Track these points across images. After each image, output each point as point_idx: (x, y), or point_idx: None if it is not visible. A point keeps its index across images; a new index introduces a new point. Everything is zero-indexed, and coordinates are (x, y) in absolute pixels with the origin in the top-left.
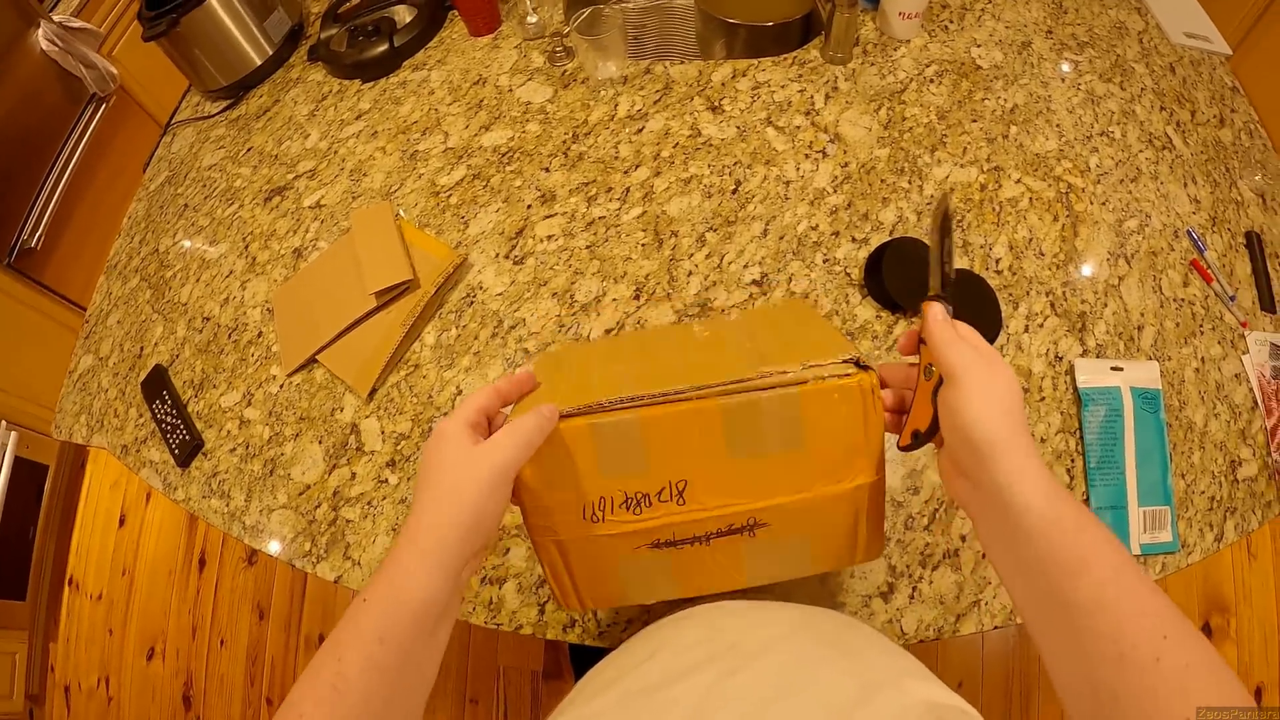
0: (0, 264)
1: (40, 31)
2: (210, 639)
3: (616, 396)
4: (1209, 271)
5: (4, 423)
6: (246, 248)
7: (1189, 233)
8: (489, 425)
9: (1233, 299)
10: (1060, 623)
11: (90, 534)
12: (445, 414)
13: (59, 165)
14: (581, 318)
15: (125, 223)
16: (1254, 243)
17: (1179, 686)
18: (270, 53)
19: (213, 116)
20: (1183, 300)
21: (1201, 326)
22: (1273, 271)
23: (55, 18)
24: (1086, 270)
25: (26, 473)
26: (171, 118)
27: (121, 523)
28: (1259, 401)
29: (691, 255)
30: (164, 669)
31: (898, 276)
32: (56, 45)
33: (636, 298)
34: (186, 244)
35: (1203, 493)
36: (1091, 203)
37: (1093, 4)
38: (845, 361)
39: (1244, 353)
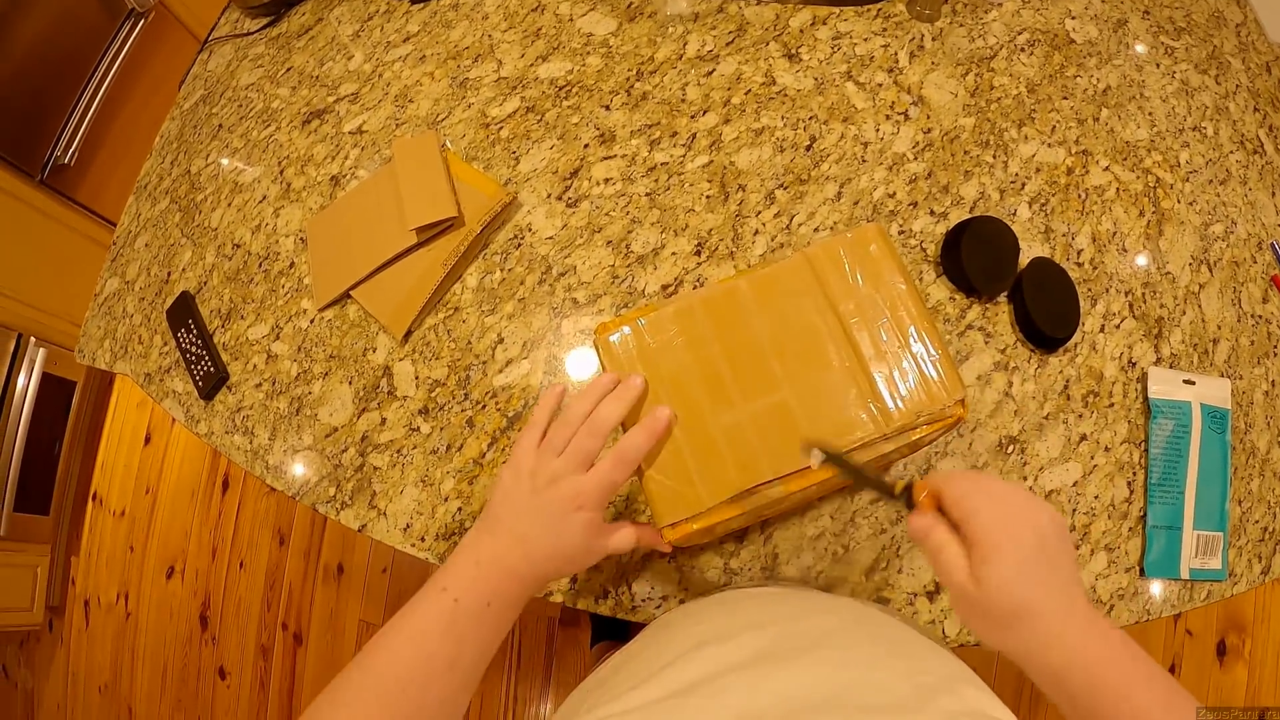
0: (34, 179)
1: None
2: (230, 561)
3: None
4: None
5: (33, 339)
6: (282, 173)
7: (1273, 245)
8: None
9: None
10: None
11: (115, 451)
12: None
13: (95, 81)
14: (637, 270)
15: (158, 142)
16: None
17: None
18: None
19: (252, 34)
20: (1260, 317)
21: (1277, 347)
22: None
23: None
24: (1169, 273)
25: (54, 388)
26: (209, 34)
27: (147, 441)
28: None
29: (759, 213)
30: (182, 588)
31: (977, 258)
32: None
33: (698, 253)
34: (221, 164)
35: (1257, 522)
36: (1179, 201)
37: None
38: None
39: None
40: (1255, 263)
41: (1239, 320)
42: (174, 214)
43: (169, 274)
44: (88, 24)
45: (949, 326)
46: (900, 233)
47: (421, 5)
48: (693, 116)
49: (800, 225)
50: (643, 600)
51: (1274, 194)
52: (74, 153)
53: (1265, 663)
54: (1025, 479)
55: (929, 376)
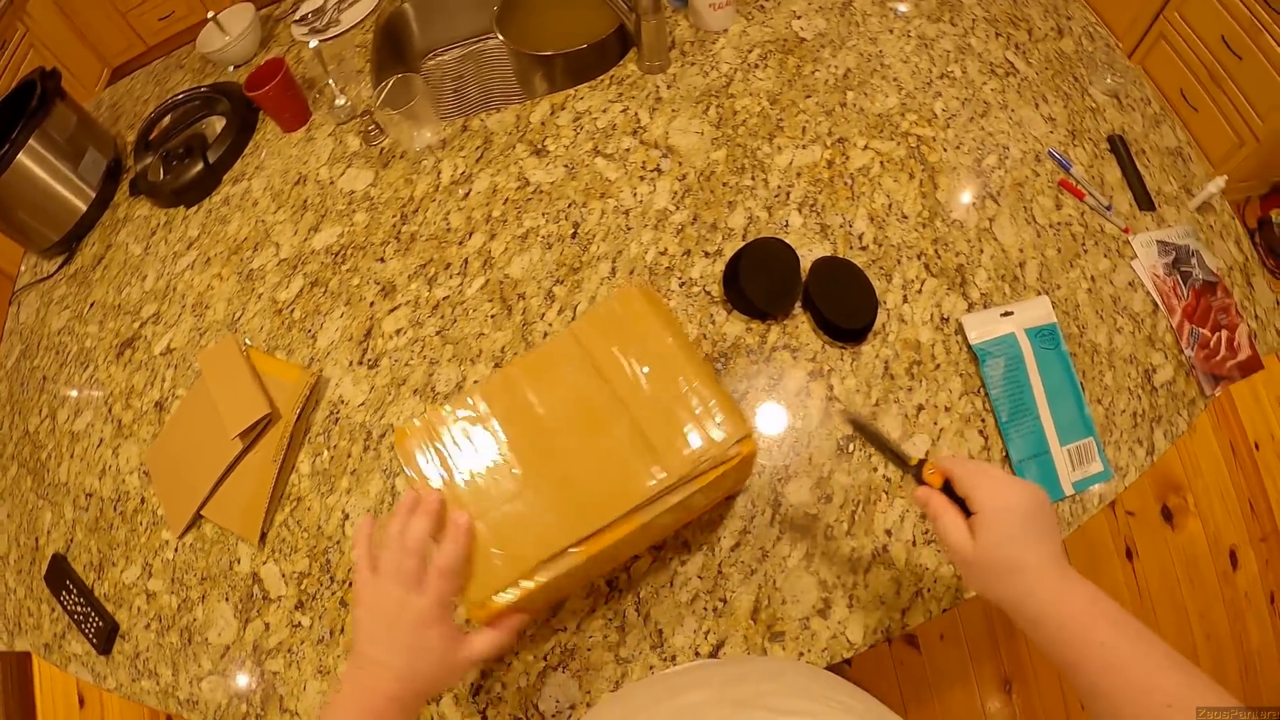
0: None
1: None
2: None
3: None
4: (1079, 187)
5: None
6: (110, 411)
7: (1051, 153)
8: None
9: (1109, 208)
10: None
11: None
12: (358, 554)
13: None
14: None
15: None
16: (1118, 146)
17: None
18: (93, 196)
19: (51, 276)
20: (1059, 224)
21: (1084, 245)
22: (1142, 168)
23: None
24: (955, 220)
25: None
26: (13, 288)
27: (81, 704)
28: (1158, 303)
29: (543, 314)
30: None
31: (758, 282)
32: None
33: None
34: (54, 417)
35: (1123, 411)
36: (945, 150)
37: None
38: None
39: (1132, 258)
40: (1038, 176)
41: (1039, 235)
42: (25, 478)
43: (36, 539)
44: None
45: (753, 357)
46: (681, 284)
47: (197, 206)
48: (460, 243)
49: (583, 312)
50: (552, 715)
51: (1037, 106)
52: None
53: (1213, 506)
54: (875, 469)
55: (707, 424)
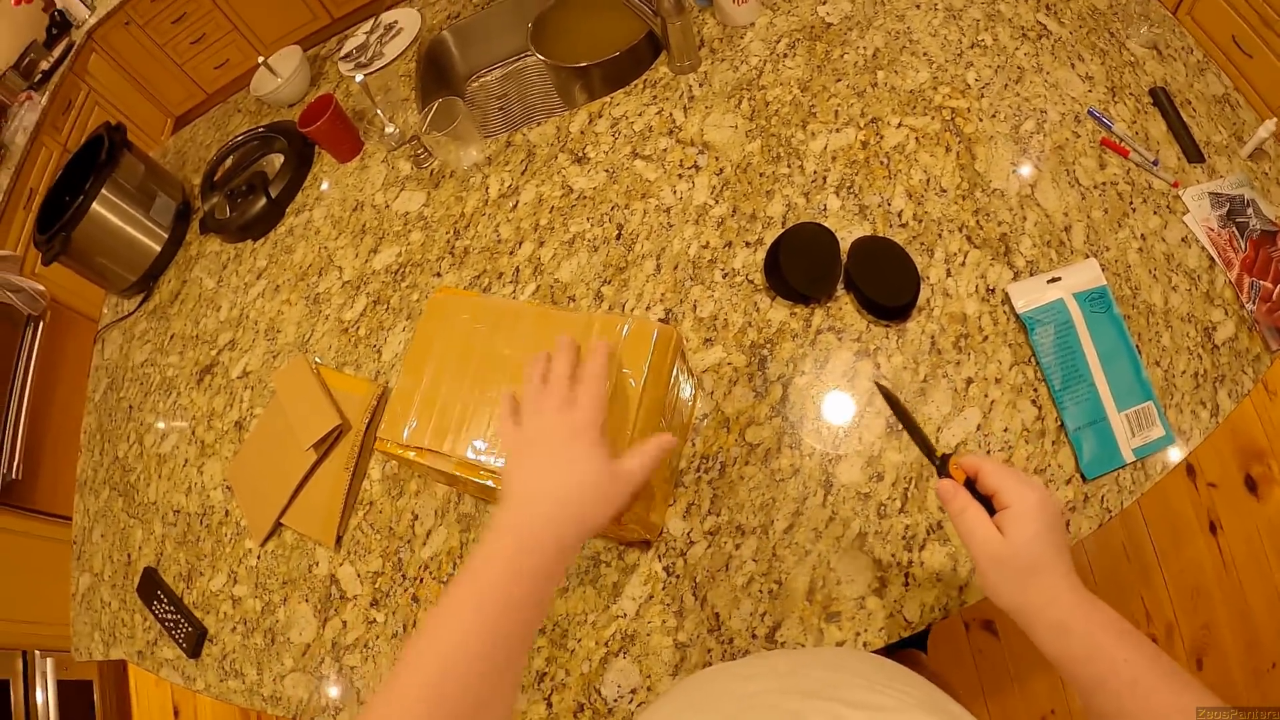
0: None
1: None
2: None
3: None
4: (1122, 145)
5: (38, 652)
6: (193, 433)
7: (1091, 112)
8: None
9: (1155, 163)
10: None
11: None
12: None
13: (16, 393)
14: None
15: (83, 438)
16: (1161, 98)
17: None
18: (165, 237)
19: (132, 314)
20: (1104, 184)
21: (1132, 204)
22: (1188, 119)
23: None
24: (995, 190)
25: (74, 693)
26: (98, 328)
27: (176, 714)
28: (1215, 257)
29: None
30: None
31: (798, 268)
32: None
33: None
34: (141, 443)
35: (1184, 372)
36: (981, 119)
37: None
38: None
39: (1184, 213)
40: (1079, 137)
41: (1083, 198)
42: (116, 500)
43: (129, 556)
44: None
45: (799, 341)
46: (724, 275)
47: (263, 239)
48: (511, 252)
49: (633, 310)
50: (614, 700)
51: (1073, 65)
52: (18, 466)
53: None
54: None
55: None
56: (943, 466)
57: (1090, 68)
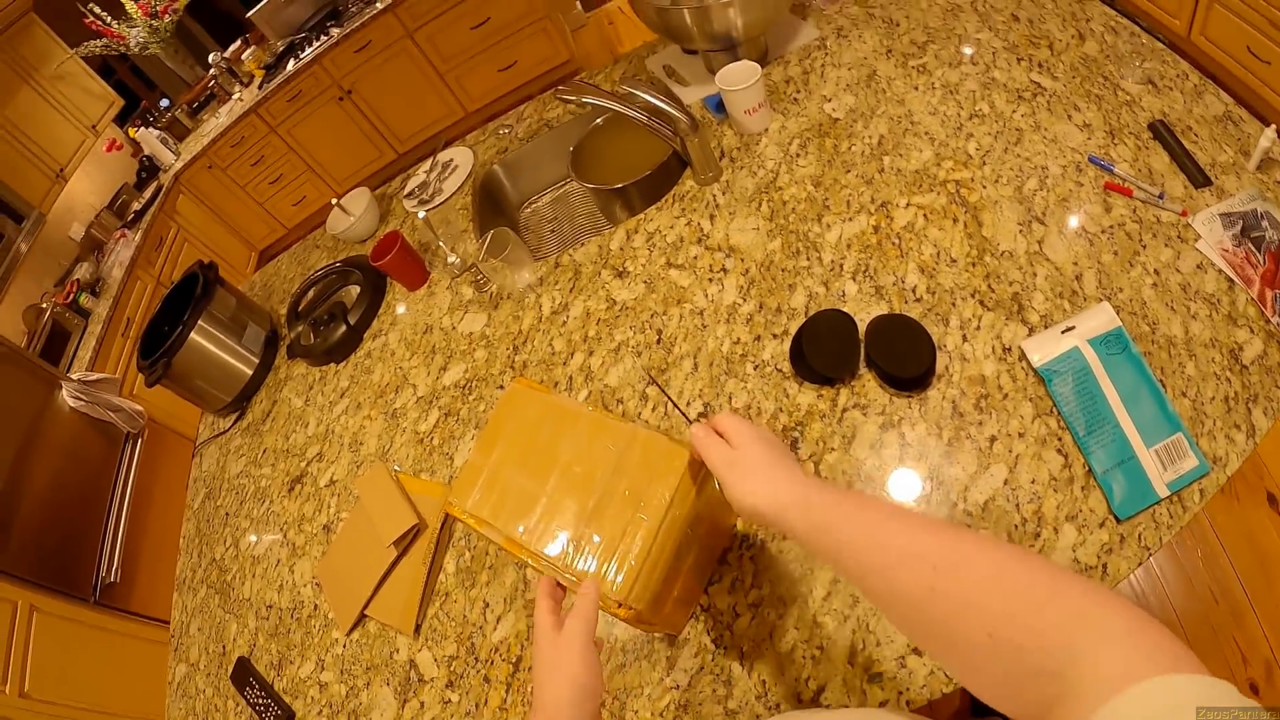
0: (89, 602)
1: (64, 392)
2: None
3: None
4: (1125, 185)
5: None
6: (285, 536)
7: (1091, 159)
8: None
9: (1161, 197)
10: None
11: None
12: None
13: (116, 502)
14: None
15: (182, 543)
16: (1161, 131)
17: (965, 603)
18: (256, 362)
19: (227, 431)
20: (1111, 227)
21: (1141, 241)
22: (1190, 145)
23: (74, 376)
24: (1004, 252)
25: None
26: (195, 443)
27: None
28: (1233, 277)
29: (640, 414)
30: None
31: (820, 354)
32: (82, 400)
33: None
34: (237, 546)
35: (1213, 398)
36: (985, 187)
37: (919, 1)
38: None
39: (1196, 240)
40: (1082, 185)
41: (1092, 244)
42: (213, 597)
43: (224, 647)
44: (94, 457)
45: (826, 421)
46: (755, 367)
47: (345, 362)
48: (564, 363)
49: (673, 408)
50: None
51: (1069, 116)
52: (117, 569)
53: None
54: (955, 505)
55: (616, 565)
56: (694, 422)
57: (1087, 115)
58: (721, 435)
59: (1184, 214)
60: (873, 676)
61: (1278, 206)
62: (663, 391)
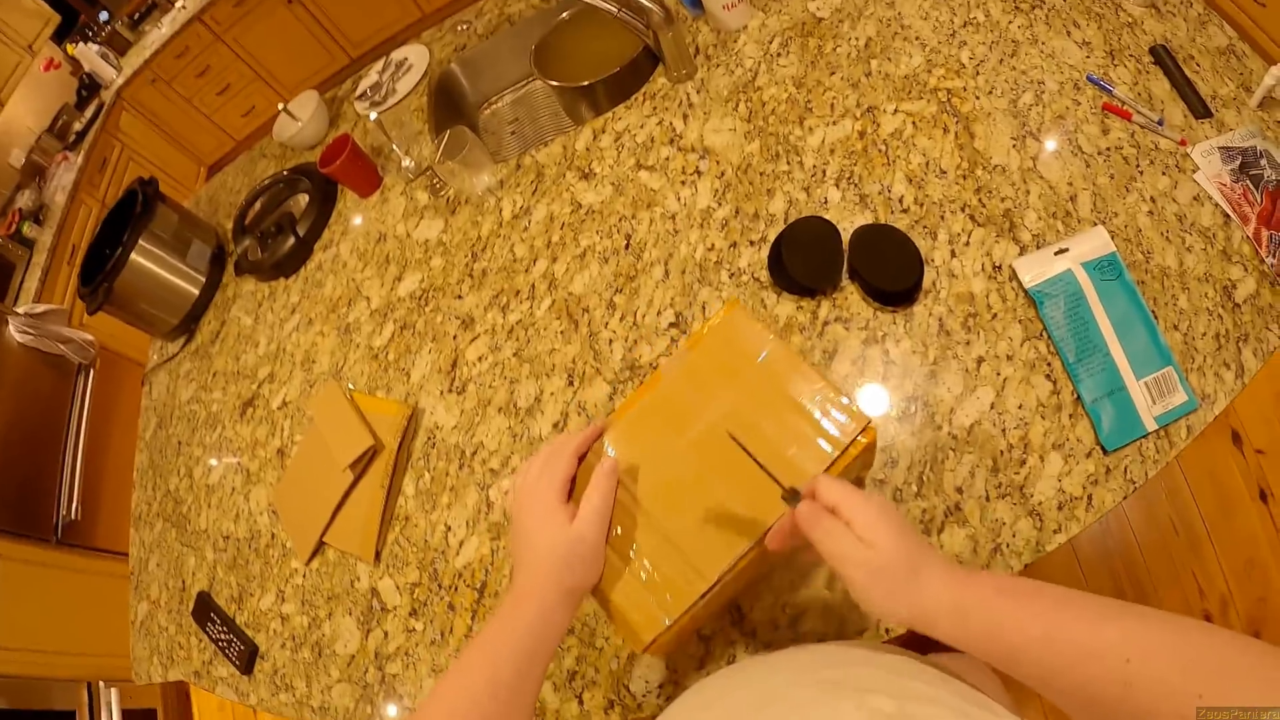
0: (51, 542)
1: (10, 327)
2: None
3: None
4: (1125, 108)
5: (102, 683)
6: (239, 462)
7: (1090, 79)
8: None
9: (1160, 123)
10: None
11: None
12: (503, 476)
13: (72, 438)
14: (529, 421)
15: (135, 475)
16: (1162, 56)
17: (1166, 691)
18: (203, 281)
19: (176, 356)
20: (1108, 149)
21: (1139, 166)
22: (1192, 74)
23: (20, 310)
24: (996, 166)
25: None
26: (145, 371)
27: None
28: (1230, 213)
29: (607, 324)
30: None
31: (800, 261)
32: (30, 334)
33: (570, 384)
34: (191, 475)
35: (1204, 334)
36: (978, 97)
37: None
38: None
39: (1194, 171)
40: (1079, 105)
41: (1088, 165)
42: (170, 531)
43: (183, 582)
44: (46, 392)
45: (807, 334)
46: (731, 275)
47: (295, 276)
48: (526, 270)
49: (644, 316)
50: (643, 695)
51: (1068, 33)
52: (77, 507)
53: None
54: (939, 428)
55: (826, 424)
56: (794, 497)
57: (1087, 33)
58: (836, 513)
59: (1183, 143)
60: (853, 604)
61: (1277, 146)
62: (750, 456)
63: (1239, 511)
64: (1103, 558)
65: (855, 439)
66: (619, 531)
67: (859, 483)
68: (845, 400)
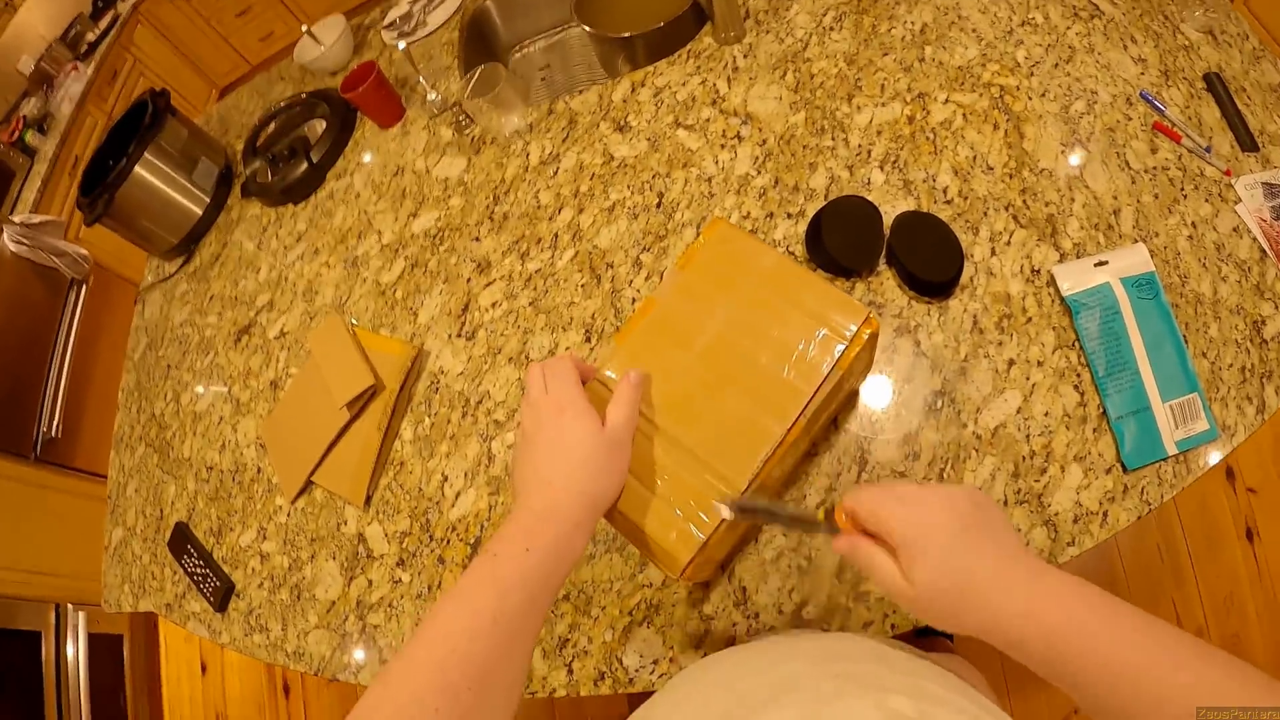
0: (30, 459)
1: (4, 235)
2: None
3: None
4: (1174, 130)
5: (70, 606)
6: (229, 391)
7: (1143, 95)
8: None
9: (1208, 150)
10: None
11: (177, 687)
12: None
13: (58, 354)
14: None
15: (120, 396)
16: (1215, 84)
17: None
18: (208, 201)
19: (173, 275)
20: (1155, 169)
21: (1183, 190)
22: (1243, 107)
23: (15, 219)
24: (1043, 170)
25: (104, 646)
26: (139, 288)
27: (204, 670)
28: (1266, 249)
29: (631, 281)
30: None
31: (840, 239)
32: (24, 244)
33: (587, 339)
34: (178, 400)
35: (1230, 366)
36: (1030, 98)
37: None
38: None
39: (1236, 203)
40: (1130, 119)
41: (1134, 181)
42: (151, 457)
43: (161, 511)
44: (35, 303)
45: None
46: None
47: (304, 203)
48: (550, 218)
49: (679, 259)
50: (636, 670)
51: (1125, 47)
52: (58, 424)
53: None
54: (964, 426)
55: (830, 322)
56: (830, 524)
57: (1143, 50)
58: (873, 534)
59: (1228, 173)
60: (859, 595)
61: None
62: (756, 514)
63: (1224, 546)
64: (1086, 574)
65: (859, 333)
66: (637, 453)
67: (853, 395)
68: (843, 296)
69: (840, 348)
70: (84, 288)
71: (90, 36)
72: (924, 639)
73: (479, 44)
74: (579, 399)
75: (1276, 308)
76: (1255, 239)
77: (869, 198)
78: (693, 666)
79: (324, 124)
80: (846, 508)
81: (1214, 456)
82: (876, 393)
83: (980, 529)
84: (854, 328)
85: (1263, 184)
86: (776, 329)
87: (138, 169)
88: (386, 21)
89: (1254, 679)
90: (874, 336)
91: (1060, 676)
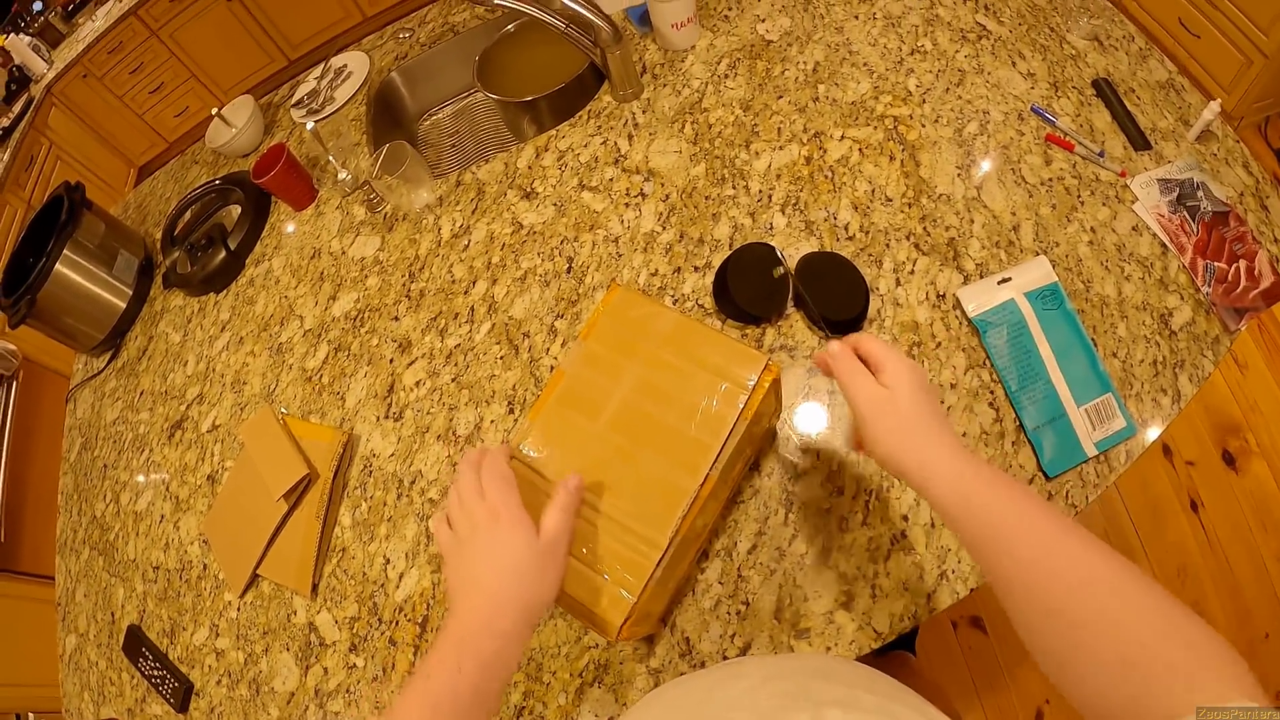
0: None
1: None
2: None
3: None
4: (1067, 139)
5: (31, 715)
6: (167, 489)
7: (1034, 109)
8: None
9: (1101, 155)
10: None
11: None
12: (432, 504)
13: None
14: (469, 450)
15: (60, 499)
16: (1104, 89)
17: (1115, 623)
18: (130, 294)
19: (101, 372)
20: (1050, 180)
21: (1080, 197)
22: (1133, 107)
23: None
24: (941, 195)
25: None
26: (69, 388)
27: None
28: (1167, 243)
29: (548, 349)
30: None
31: (745, 288)
32: None
33: (511, 411)
34: (118, 501)
35: (1142, 361)
36: (923, 125)
37: None
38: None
39: (1133, 202)
40: (1023, 135)
41: (1030, 195)
42: (97, 560)
43: (113, 614)
44: None
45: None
46: (675, 301)
47: (225, 291)
48: (465, 292)
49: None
50: None
51: (1014, 64)
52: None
53: (1275, 442)
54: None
55: (731, 374)
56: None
57: (1032, 65)
58: (866, 362)
59: (1123, 174)
60: (800, 632)
61: (1213, 179)
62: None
63: (1170, 521)
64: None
65: (760, 381)
66: None
67: (769, 434)
68: (743, 348)
69: (743, 399)
70: (14, 384)
71: (4, 121)
72: (881, 656)
73: (387, 116)
74: (514, 505)
75: (1182, 298)
76: (1155, 235)
77: (772, 242)
78: (647, 696)
79: (239, 209)
80: (849, 340)
81: (1134, 450)
82: (796, 434)
83: (936, 402)
84: (754, 378)
85: (1158, 180)
86: (680, 388)
87: (58, 267)
88: (295, 99)
89: (1152, 587)
90: (776, 382)
91: (989, 535)
